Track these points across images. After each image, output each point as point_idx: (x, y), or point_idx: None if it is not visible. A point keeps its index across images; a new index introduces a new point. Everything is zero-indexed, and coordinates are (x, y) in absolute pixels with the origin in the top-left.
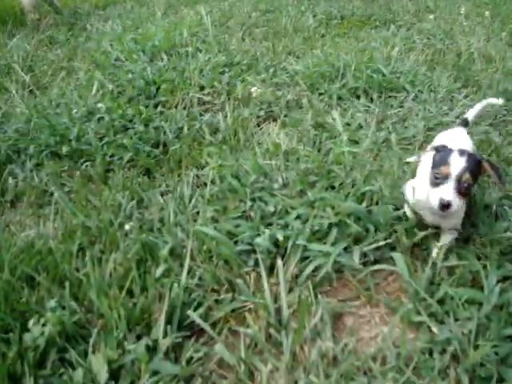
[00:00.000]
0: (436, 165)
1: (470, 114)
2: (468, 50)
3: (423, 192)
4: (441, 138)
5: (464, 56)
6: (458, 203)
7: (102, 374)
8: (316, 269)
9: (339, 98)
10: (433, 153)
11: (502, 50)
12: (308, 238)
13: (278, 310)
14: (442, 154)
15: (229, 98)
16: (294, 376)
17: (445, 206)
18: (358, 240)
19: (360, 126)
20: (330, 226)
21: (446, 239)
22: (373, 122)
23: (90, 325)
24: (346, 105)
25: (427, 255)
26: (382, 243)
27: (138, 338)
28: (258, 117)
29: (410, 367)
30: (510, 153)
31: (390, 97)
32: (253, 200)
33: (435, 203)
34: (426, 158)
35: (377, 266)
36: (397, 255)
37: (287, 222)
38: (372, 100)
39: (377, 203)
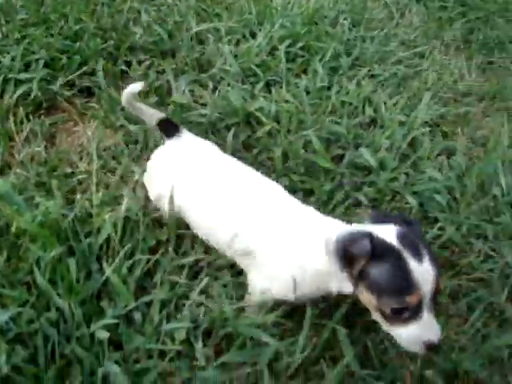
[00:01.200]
0: (393, 293)
1: (156, 115)
2: None
3: None
4: (165, 166)
5: None
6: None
7: None
8: (27, 96)
9: None
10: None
11: None
12: (18, 71)
13: None
14: (391, 268)
15: None
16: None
17: (433, 347)
18: (67, 71)
19: None
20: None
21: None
22: None
23: None
24: None
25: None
26: (85, 69)
27: None
28: None
29: (108, 156)
30: None
31: None
32: None
33: (417, 348)
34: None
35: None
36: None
37: None
38: None
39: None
